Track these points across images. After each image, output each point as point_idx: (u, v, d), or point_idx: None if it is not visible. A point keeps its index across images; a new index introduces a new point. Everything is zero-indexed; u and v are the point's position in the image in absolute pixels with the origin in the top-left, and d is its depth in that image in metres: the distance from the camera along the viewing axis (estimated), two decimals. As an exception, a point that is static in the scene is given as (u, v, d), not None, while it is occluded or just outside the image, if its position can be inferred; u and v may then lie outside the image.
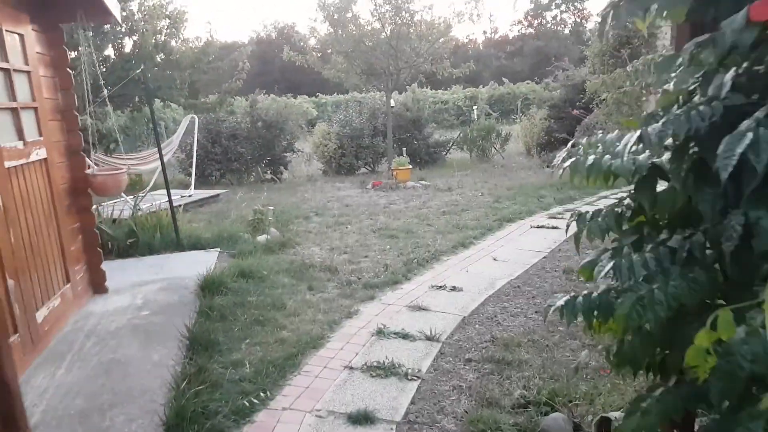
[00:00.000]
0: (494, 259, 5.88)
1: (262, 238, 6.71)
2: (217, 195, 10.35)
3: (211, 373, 3.40)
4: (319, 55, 13.06)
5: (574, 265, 5.48)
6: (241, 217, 8.11)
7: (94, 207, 6.60)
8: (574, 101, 14.11)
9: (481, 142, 14.40)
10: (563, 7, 62.25)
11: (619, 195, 1.81)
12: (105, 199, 8.00)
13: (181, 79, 10.88)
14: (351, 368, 3.65)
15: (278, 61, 45.88)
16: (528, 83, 37.17)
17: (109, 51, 10.51)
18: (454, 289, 4.98)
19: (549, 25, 62.12)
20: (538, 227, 7.18)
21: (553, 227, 7.09)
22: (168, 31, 10.60)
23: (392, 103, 12.66)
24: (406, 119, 14.40)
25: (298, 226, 7.79)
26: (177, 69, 10.67)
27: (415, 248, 6.39)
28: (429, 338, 4.04)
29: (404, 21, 11.06)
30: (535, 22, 62.29)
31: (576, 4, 62.12)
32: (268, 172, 13.48)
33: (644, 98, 11.58)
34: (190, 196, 9.81)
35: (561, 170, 1.56)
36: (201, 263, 5.70)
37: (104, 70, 9.77)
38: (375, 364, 3.66)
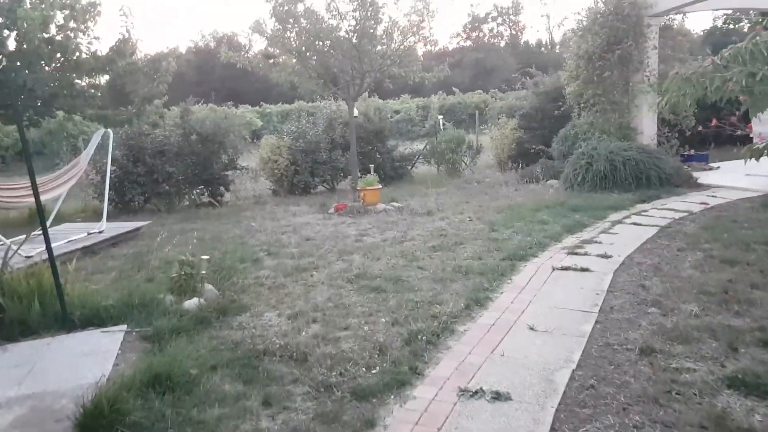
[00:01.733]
0: (531, 329, 4.14)
1: (191, 303, 4.70)
2: (137, 229, 8.17)
3: None
4: (267, 57, 11.07)
5: (651, 339, 3.82)
6: (166, 264, 6.06)
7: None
8: (548, 110, 12.83)
9: (451, 155, 12.78)
10: (499, 20, 63.11)
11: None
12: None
13: (89, 86, 8.63)
14: None
15: (218, 69, 43.17)
16: (479, 93, 36.37)
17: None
18: (497, 397, 3.18)
19: (486, 38, 62.82)
20: (562, 269, 5.52)
21: (583, 269, 5.44)
22: (67, 25, 8.26)
23: (356, 112, 10.86)
24: (368, 131, 12.62)
25: (245, 276, 5.81)
26: (79, 72, 8.41)
27: (413, 309, 4.58)
28: None
29: (369, 15, 9.26)
30: (473, 34, 62.94)
31: (511, 17, 63.16)
32: (206, 194, 11.33)
33: (634, 102, 10.29)
34: (100, 232, 7.60)
35: None
36: (95, 358, 3.70)
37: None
38: None
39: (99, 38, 9.28)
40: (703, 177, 9.35)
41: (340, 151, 12.01)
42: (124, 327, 4.31)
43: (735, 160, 11.19)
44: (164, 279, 5.43)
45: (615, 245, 6.21)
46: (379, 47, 9.80)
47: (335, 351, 3.88)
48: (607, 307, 4.49)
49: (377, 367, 3.60)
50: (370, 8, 9.43)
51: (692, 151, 10.84)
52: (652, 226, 6.90)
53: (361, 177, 10.36)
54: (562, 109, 11.59)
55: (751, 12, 12.51)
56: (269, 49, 10.20)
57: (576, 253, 6.01)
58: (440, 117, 14.32)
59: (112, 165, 8.68)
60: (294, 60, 10.08)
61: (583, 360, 3.61)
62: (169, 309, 4.60)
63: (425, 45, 10.12)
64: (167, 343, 3.98)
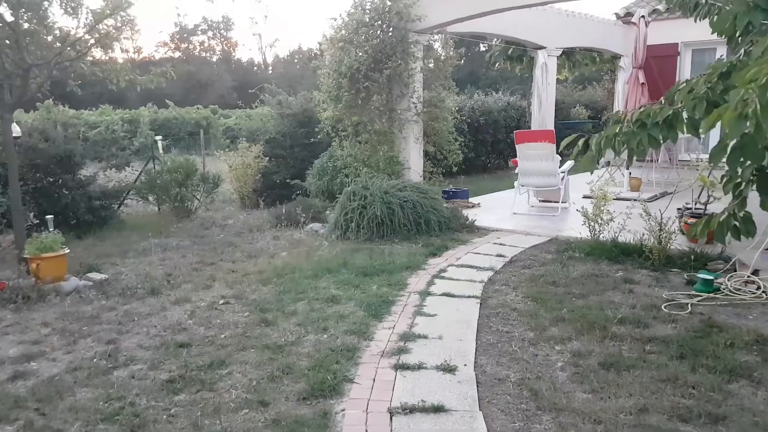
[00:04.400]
0: None
1: None
2: None
3: None
4: None
5: None
6: None
7: None
8: (298, 136, 10.96)
9: (178, 189, 9.64)
10: (210, 34, 60.43)
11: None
12: None
13: None
14: None
15: None
16: (198, 108, 32.83)
17: None
18: None
19: (197, 51, 59.51)
20: (404, 412, 3.38)
21: (436, 409, 3.39)
22: None
23: (17, 130, 6.92)
24: (47, 156, 8.56)
25: None
26: None
27: None
28: None
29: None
30: (183, 45, 59.27)
31: (222, 32, 60.99)
32: None
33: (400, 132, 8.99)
34: None
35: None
36: None
37: None
38: None
39: None
40: (476, 217, 8.48)
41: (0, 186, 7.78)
42: None
43: (486, 194, 11.03)
44: None
45: (445, 340, 4.41)
46: (57, 31, 6.27)
47: None
48: None
49: None
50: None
51: (451, 187, 10.16)
52: (468, 297, 5.36)
53: (30, 231, 6.56)
54: (318, 136, 9.69)
55: (495, 40, 12.86)
56: None
57: (405, 366, 3.96)
58: (159, 138, 10.94)
59: None
60: None
61: None
62: None
63: (125, 52, 6.93)
64: None
